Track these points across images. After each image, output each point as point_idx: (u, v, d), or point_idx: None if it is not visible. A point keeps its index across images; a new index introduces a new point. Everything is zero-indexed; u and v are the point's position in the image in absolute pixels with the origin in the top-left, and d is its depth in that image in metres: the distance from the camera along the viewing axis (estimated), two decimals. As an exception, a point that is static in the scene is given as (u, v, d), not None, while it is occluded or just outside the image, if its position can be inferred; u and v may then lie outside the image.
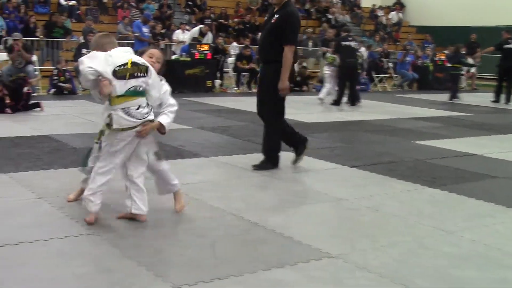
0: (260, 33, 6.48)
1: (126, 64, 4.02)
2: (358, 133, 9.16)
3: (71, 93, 13.05)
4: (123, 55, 4.11)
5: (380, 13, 27.62)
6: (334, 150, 7.55)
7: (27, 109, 10.09)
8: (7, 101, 9.77)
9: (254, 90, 15.97)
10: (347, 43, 13.32)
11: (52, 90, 12.99)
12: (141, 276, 3.25)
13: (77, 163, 6.09)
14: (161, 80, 4.33)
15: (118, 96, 4.01)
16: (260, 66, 6.40)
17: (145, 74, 4.07)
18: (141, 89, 4.05)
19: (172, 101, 4.40)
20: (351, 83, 13.39)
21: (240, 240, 3.94)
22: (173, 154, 6.62)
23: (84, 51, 14.33)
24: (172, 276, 3.26)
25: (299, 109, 12.16)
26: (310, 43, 21.12)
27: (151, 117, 4.14)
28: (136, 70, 4.04)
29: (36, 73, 13.44)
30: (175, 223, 4.25)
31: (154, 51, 4.38)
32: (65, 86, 12.99)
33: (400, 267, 3.58)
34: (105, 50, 4.12)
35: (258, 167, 6.15)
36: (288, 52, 5.92)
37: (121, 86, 3.99)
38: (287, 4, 6.04)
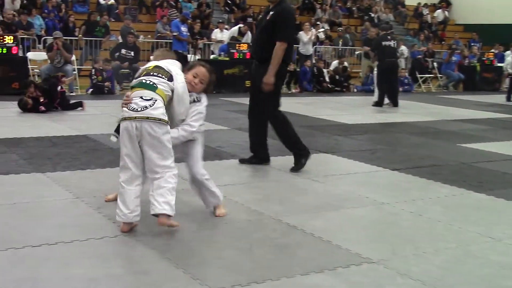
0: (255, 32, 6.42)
1: (150, 66, 4.12)
2: (401, 135, 9.07)
3: (109, 93, 13.25)
4: (157, 63, 4.17)
5: (425, 11, 27.29)
6: (375, 152, 7.49)
7: (68, 109, 10.28)
8: (41, 99, 9.97)
9: (294, 91, 16.00)
10: (387, 42, 13.22)
11: (90, 90, 13.21)
12: (178, 279, 3.28)
13: (114, 163, 6.19)
14: (198, 100, 4.28)
15: (131, 88, 4.10)
16: (253, 65, 6.33)
17: (166, 78, 4.02)
18: (151, 83, 3.99)
19: (194, 123, 4.24)
20: (392, 83, 13.28)
21: (278, 243, 3.95)
22: (211, 155, 6.66)
23: (123, 51, 14.63)
24: (209, 279, 3.28)
25: (339, 110, 12.11)
26: (350, 42, 21.00)
27: (154, 112, 3.87)
28: (156, 71, 4.06)
29: (74, 72, 13.69)
30: (213, 225, 4.27)
31: (201, 71, 4.31)
32: (104, 84, 13.20)
33: (444, 275, 3.53)
34: None
35: (295, 169, 6.15)
36: (279, 48, 5.88)
37: (135, 81, 4.10)
38: (282, 1, 6.05)
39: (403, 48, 18.62)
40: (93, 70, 13.30)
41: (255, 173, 6.10)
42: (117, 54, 14.80)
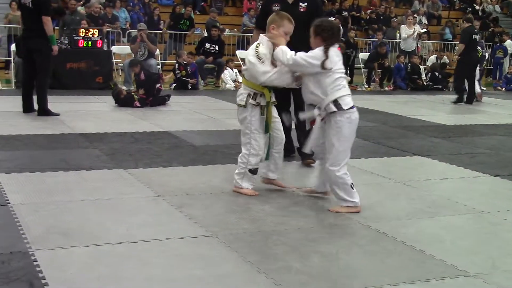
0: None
1: None
2: (505, 138, 8.77)
3: (193, 88, 13.52)
4: None
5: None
6: (476, 156, 7.29)
7: (156, 104, 10.57)
8: (140, 94, 10.31)
9: (387, 88, 15.76)
10: (476, 36, 13.03)
11: (173, 85, 13.52)
12: (259, 283, 3.31)
13: (196, 161, 6.32)
14: None
15: None
16: None
17: None
18: None
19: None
20: (471, 80, 13.14)
21: (366, 250, 3.92)
22: (298, 157, 6.68)
23: (207, 45, 14.90)
24: (292, 285, 3.30)
25: (436, 110, 11.86)
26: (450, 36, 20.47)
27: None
28: None
29: (158, 67, 14.06)
30: (298, 229, 4.29)
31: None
32: (189, 80, 13.47)
33: (550, 292, 3.40)
34: None
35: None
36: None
37: None
38: None
39: (509, 43, 17.98)
40: (177, 64, 13.60)
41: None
42: (202, 48, 15.08)
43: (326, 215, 4.66)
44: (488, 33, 21.24)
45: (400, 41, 17.75)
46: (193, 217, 4.40)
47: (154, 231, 4.08)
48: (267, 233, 4.16)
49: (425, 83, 16.01)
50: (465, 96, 13.16)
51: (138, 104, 10.24)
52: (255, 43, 5.05)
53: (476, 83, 13.76)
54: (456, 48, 19.82)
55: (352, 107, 4.69)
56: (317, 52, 4.66)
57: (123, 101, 10.28)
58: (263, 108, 5.01)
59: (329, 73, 4.63)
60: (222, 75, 14.52)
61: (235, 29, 18.69)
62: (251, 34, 17.77)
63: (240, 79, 14.09)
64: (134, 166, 5.99)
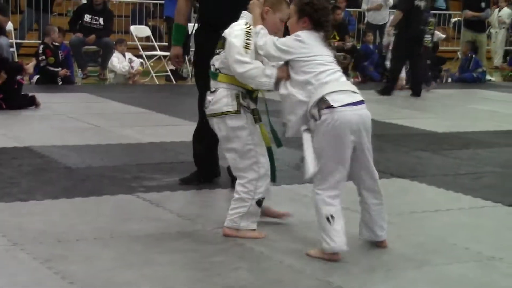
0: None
1: None
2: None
3: (66, 82, 13.30)
4: None
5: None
6: (481, 177, 7.45)
7: (19, 107, 10.38)
8: None
9: (353, 80, 15.91)
10: (420, 2, 13.65)
11: (35, 77, 13.16)
12: None
13: (73, 191, 6.25)
14: None
15: None
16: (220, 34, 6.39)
17: None
18: None
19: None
20: (414, 61, 13.84)
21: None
22: (224, 182, 6.69)
23: (87, 17, 14.75)
24: None
25: (424, 111, 12.10)
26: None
27: None
28: None
29: (12, 49, 13.84)
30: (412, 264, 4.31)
31: None
32: (59, 72, 13.20)
33: None
34: None
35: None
36: None
37: None
38: None
39: (507, 12, 18.61)
40: (42, 46, 13.35)
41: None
42: (79, 22, 14.94)
43: (267, 263, 4.69)
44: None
45: (365, 11, 17.96)
46: (67, 276, 4.35)
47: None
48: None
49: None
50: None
51: None
52: (243, 21, 5.21)
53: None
54: (452, 21, 20.44)
55: (345, 105, 4.78)
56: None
57: None
58: (256, 113, 5.19)
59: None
60: (109, 62, 14.34)
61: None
62: (153, 1, 17.85)
63: (136, 66, 14.06)
64: (-24, 201, 5.90)
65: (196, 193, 6.38)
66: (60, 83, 13.28)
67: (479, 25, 17.59)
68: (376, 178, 4.98)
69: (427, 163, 8.09)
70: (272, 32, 5.05)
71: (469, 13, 17.33)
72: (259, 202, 5.15)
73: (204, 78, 5.78)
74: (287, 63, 4.92)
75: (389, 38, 15.13)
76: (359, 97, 4.87)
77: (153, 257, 4.75)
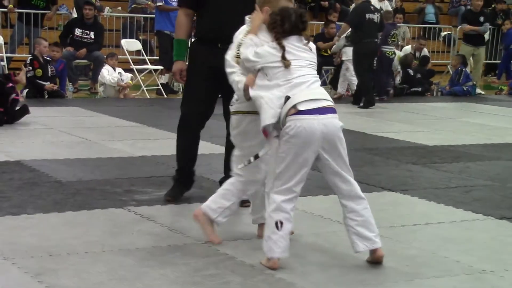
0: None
1: None
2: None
3: (56, 96, 13.27)
4: None
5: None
6: (472, 191, 7.47)
7: (13, 121, 10.36)
8: None
9: (344, 94, 15.91)
10: (371, 15, 13.77)
11: (25, 91, 13.01)
12: None
13: (64, 204, 6.25)
14: None
15: None
16: (220, 49, 6.36)
17: None
18: None
19: None
20: (363, 76, 14.04)
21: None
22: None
23: (77, 31, 14.74)
24: None
25: (414, 124, 12.10)
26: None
27: None
28: None
29: (3, 63, 13.82)
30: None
31: None
32: (45, 85, 13.11)
33: None
34: None
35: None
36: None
37: None
38: None
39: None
40: (29, 58, 13.24)
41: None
42: (70, 36, 14.94)
43: (259, 277, 4.69)
44: (490, 12, 21.81)
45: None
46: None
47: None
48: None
49: (397, 86, 16.25)
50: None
51: None
52: (245, 29, 5.33)
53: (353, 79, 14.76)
54: (442, 35, 20.46)
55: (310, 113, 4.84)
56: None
57: None
58: None
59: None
60: (100, 75, 14.30)
61: (120, 8, 18.66)
62: (144, 15, 17.86)
63: (126, 79, 14.02)
64: (-34, 215, 5.89)
65: (187, 207, 6.37)
66: (46, 96, 13.18)
67: (478, 39, 17.57)
68: (352, 183, 4.97)
69: (418, 176, 8.11)
70: None
71: (467, 27, 17.38)
72: (241, 202, 5.40)
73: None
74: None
75: (338, 46, 15.28)
76: (327, 103, 4.93)
77: (145, 271, 4.75)
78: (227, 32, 5.74)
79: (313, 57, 5.05)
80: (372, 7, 14.21)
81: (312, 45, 5.15)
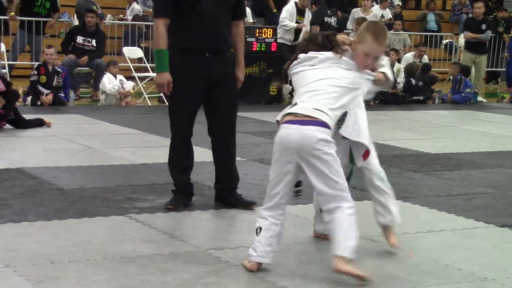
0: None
1: None
2: (515, 172, 9.05)
3: (59, 104, 13.27)
4: None
5: None
6: (474, 198, 7.47)
7: (24, 127, 10.49)
8: None
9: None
10: (328, 19, 13.81)
11: (29, 98, 13.10)
12: None
13: (65, 212, 6.25)
14: None
15: None
16: (208, 58, 6.39)
17: None
18: None
19: None
20: None
21: None
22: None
23: (79, 39, 14.76)
24: None
25: (416, 132, 12.10)
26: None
27: None
28: None
29: (4, 71, 13.82)
30: None
31: None
32: (42, 95, 13.04)
33: None
34: None
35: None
36: (243, 28, 6.54)
37: None
38: None
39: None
40: (38, 63, 13.22)
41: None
42: (71, 43, 14.95)
43: (261, 285, 4.70)
44: (491, 20, 21.81)
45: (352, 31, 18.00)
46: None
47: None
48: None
49: (399, 94, 16.23)
50: None
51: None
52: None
53: None
54: (443, 42, 20.46)
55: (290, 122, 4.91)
56: None
57: None
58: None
59: None
60: (101, 84, 14.28)
61: (121, 15, 18.67)
62: (145, 23, 17.86)
63: (128, 88, 14.01)
64: (-33, 222, 5.89)
65: (188, 214, 6.37)
66: (39, 104, 13.08)
67: (480, 47, 17.57)
68: (340, 188, 4.89)
69: (420, 184, 8.11)
70: (361, 65, 5.10)
71: (468, 34, 17.38)
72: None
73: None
74: None
75: None
76: (315, 115, 4.87)
77: (146, 278, 4.75)
78: (213, 40, 5.80)
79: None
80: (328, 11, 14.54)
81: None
